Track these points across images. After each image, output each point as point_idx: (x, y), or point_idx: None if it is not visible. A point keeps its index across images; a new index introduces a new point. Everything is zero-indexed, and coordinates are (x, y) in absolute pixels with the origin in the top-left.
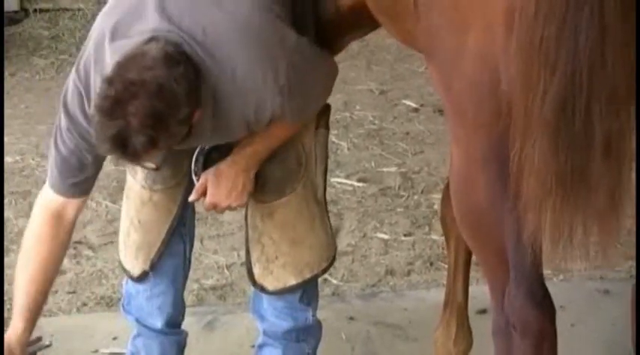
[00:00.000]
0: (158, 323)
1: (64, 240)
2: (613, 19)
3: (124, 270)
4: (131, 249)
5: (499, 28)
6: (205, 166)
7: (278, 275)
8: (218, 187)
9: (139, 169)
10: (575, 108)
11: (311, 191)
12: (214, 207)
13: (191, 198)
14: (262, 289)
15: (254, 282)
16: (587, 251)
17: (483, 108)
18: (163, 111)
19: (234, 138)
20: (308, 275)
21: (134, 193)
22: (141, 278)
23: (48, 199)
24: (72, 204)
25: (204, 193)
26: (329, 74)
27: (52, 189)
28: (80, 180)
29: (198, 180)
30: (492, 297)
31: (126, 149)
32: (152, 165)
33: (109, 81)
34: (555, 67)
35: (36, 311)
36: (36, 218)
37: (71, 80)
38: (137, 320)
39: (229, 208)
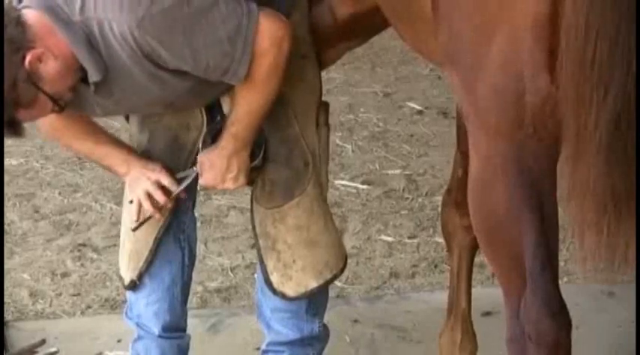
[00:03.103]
0: (155, 329)
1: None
2: None
3: (120, 278)
4: (125, 258)
5: (525, 35)
6: (212, 143)
7: (298, 280)
8: (212, 172)
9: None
10: (630, 127)
11: (319, 190)
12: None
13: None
14: (283, 296)
15: (274, 291)
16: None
17: (506, 115)
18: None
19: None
20: (328, 276)
21: (128, 204)
22: (130, 287)
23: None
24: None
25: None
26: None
27: None
28: None
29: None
30: (507, 305)
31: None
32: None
33: None
34: (608, 87)
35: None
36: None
37: None
38: (137, 325)
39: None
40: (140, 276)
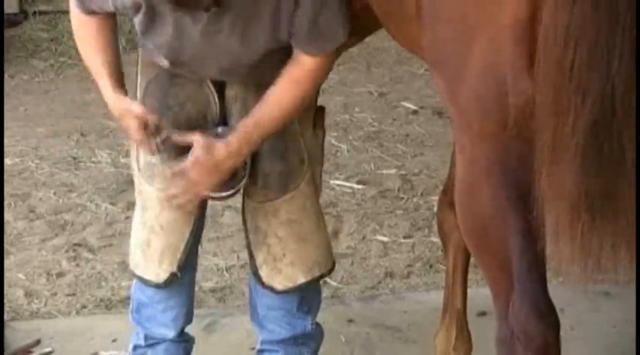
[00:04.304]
0: (170, 333)
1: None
2: None
3: (145, 282)
4: (153, 258)
5: (506, 39)
6: None
7: (287, 274)
8: (202, 168)
9: (156, 175)
10: (607, 132)
11: (313, 190)
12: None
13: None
14: (272, 290)
15: (262, 284)
16: (615, 270)
17: (489, 119)
18: None
19: (249, 47)
20: (317, 273)
21: (152, 201)
22: (168, 282)
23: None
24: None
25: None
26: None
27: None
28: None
29: None
30: (496, 307)
31: (187, 5)
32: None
33: None
34: (587, 92)
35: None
36: (81, 30)
37: None
38: (146, 329)
39: (202, 190)
40: (180, 268)
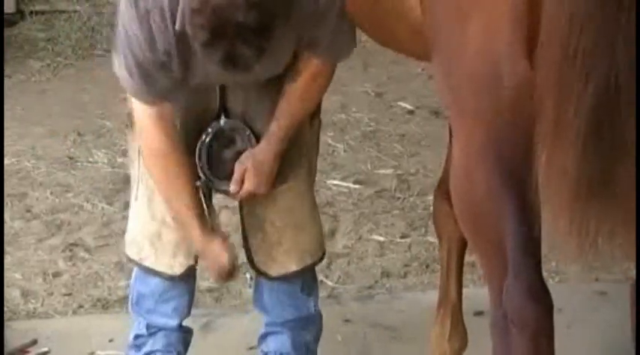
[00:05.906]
0: (171, 322)
1: (179, 142)
2: None
3: (157, 274)
4: (166, 249)
5: (502, 21)
6: (208, 158)
7: (282, 262)
8: (259, 176)
9: None
10: (609, 117)
11: (310, 181)
12: (249, 196)
13: (232, 189)
14: (265, 276)
15: (257, 270)
16: (612, 251)
17: (483, 101)
18: (262, 21)
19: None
20: (309, 262)
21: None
22: (185, 275)
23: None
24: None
25: (243, 182)
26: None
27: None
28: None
29: (204, 174)
30: (490, 292)
31: (237, 66)
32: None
33: (197, 11)
34: (590, 77)
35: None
36: (148, 134)
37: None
38: (146, 319)
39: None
40: (197, 259)
